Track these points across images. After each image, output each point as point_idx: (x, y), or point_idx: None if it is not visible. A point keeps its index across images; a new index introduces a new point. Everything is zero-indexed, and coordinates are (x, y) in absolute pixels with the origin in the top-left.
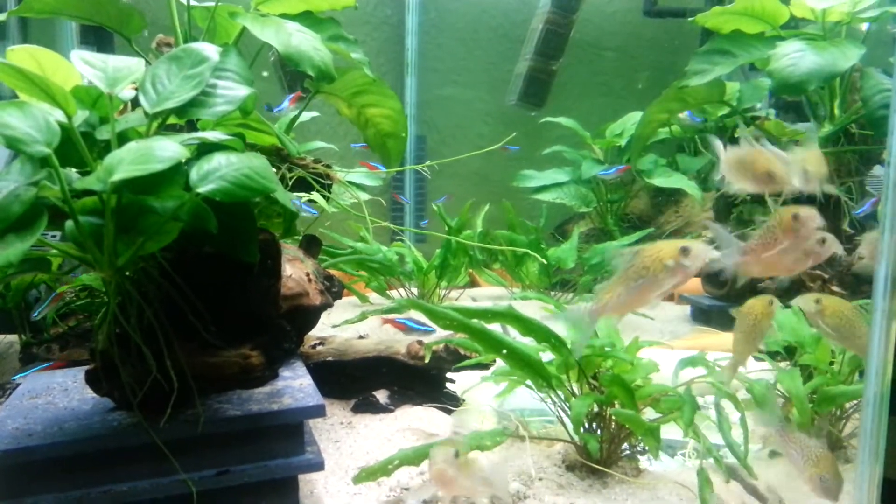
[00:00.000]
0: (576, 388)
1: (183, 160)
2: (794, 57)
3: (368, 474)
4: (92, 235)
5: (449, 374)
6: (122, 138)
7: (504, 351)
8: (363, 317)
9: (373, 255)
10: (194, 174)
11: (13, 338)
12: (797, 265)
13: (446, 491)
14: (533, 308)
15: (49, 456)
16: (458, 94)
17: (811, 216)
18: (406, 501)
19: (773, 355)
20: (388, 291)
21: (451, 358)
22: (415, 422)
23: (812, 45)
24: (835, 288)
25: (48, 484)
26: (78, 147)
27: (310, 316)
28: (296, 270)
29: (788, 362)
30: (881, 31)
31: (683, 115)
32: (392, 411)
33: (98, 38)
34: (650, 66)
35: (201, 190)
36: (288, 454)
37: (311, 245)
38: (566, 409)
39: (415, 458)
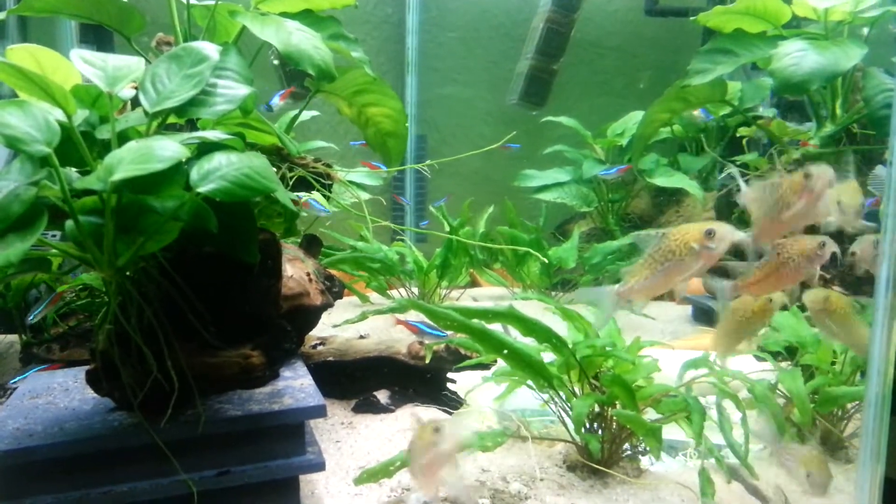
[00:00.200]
0: (577, 389)
1: (183, 159)
2: (796, 56)
3: (370, 475)
4: (92, 235)
5: (450, 375)
6: (122, 138)
7: (505, 351)
8: (364, 317)
9: (373, 254)
10: (195, 174)
11: (13, 338)
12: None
13: (415, 459)
14: (534, 308)
15: (49, 456)
16: (459, 93)
17: (824, 171)
18: (407, 502)
19: (774, 355)
20: (388, 291)
21: (452, 358)
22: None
23: (814, 45)
24: (836, 288)
25: (48, 484)
26: (78, 146)
27: (310, 316)
28: (296, 270)
29: (789, 362)
30: (883, 31)
31: (697, 112)
32: (393, 411)
33: (98, 36)
34: (652, 66)
35: (202, 189)
36: (289, 454)
37: (312, 245)
38: (567, 409)
39: None
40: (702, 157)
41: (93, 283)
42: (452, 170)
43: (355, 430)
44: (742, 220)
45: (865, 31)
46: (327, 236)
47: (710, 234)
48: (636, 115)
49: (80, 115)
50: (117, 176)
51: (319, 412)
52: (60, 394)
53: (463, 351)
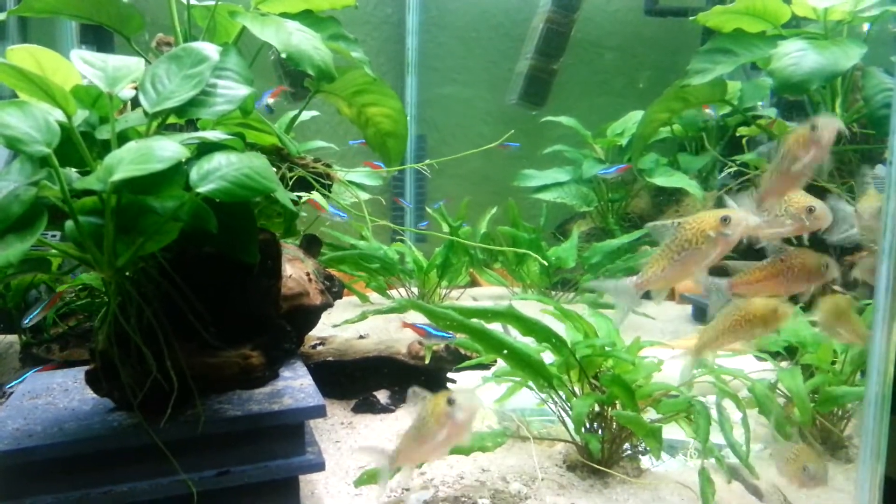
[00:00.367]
0: (577, 389)
1: (183, 160)
2: (795, 56)
3: (370, 476)
4: (92, 235)
5: (450, 375)
6: (122, 138)
7: (505, 351)
8: (363, 317)
9: (374, 252)
10: (194, 174)
11: (13, 338)
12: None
13: (428, 433)
14: (534, 308)
15: (49, 456)
16: (459, 93)
17: (830, 121)
18: (407, 501)
19: (774, 355)
20: (388, 291)
21: (452, 358)
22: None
23: (814, 45)
24: (837, 288)
25: (48, 485)
26: (78, 147)
27: (310, 316)
28: (296, 270)
29: (789, 362)
30: (882, 30)
31: (707, 109)
32: (393, 411)
33: (98, 37)
34: (651, 66)
35: (201, 190)
36: (288, 455)
37: (312, 245)
38: (567, 409)
39: None
40: (701, 157)
41: (92, 284)
42: (452, 170)
43: (355, 430)
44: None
45: (866, 27)
46: (328, 235)
47: (725, 220)
48: (636, 115)
49: (80, 115)
50: (117, 176)
51: (319, 412)
52: (60, 394)
53: (463, 351)
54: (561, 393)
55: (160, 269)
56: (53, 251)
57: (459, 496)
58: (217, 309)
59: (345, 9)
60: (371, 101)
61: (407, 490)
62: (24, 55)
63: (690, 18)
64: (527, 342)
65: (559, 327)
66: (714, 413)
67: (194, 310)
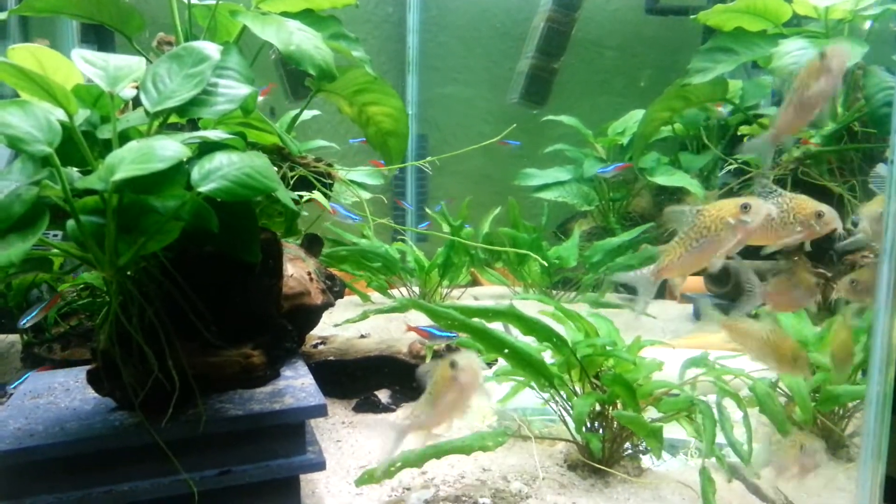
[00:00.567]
0: (578, 388)
1: (184, 159)
2: (796, 55)
3: (370, 476)
4: (93, 235)
5: None
6: (124, 137)
7: (506, 350)
8: (365, 316)
9: (375, 250)
10: (196, 173)
11: (14, 337)
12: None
13: (441, 396)
14: (533, 307)
15: (50, 456)
16: (460, 92)
17: (840, 48)
18: (407, 501)
19: None
20: (389, 290)
21: None
22: None
23: (815, 43)
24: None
25: (49, 484)
26: (79, 146)
27: (311, 315)
28: (297, 270)
29: None
30: (883, 29)
31: (720, 107)
32: (394, 411)
33: (99, 36)
34: (652, 65)
35: (203, 189)
36: (289, 454)
37: (313, 244)
38: (568, 408)
39: (417, 459)
40: (703, 156)
41: (94, 283)
42: (453, 169)
43: (356, 429)
44: None
45: (867, 25)
46: (330, 232)
47: (745, 207)
48: (637, 114)
49: (82, 114)
50: (118, 175)
51: (320, 411)
52: (61, 394)
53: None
54: (562, 392)
55: (162, 268)
56: (55, 250)
57: (460, 495)
58: (218, 308)
59: (345, 7)
60: (372, 100)
61: (408, 489)
62: (25, 54)
63: (691, 17)
64: (528, 341)
65: (560, 327)
66: (715, 412)
67: (196, 309)
